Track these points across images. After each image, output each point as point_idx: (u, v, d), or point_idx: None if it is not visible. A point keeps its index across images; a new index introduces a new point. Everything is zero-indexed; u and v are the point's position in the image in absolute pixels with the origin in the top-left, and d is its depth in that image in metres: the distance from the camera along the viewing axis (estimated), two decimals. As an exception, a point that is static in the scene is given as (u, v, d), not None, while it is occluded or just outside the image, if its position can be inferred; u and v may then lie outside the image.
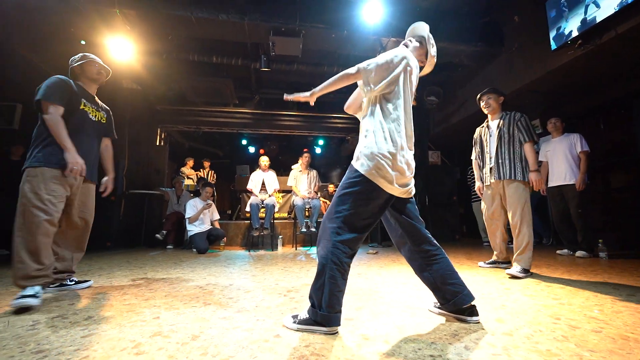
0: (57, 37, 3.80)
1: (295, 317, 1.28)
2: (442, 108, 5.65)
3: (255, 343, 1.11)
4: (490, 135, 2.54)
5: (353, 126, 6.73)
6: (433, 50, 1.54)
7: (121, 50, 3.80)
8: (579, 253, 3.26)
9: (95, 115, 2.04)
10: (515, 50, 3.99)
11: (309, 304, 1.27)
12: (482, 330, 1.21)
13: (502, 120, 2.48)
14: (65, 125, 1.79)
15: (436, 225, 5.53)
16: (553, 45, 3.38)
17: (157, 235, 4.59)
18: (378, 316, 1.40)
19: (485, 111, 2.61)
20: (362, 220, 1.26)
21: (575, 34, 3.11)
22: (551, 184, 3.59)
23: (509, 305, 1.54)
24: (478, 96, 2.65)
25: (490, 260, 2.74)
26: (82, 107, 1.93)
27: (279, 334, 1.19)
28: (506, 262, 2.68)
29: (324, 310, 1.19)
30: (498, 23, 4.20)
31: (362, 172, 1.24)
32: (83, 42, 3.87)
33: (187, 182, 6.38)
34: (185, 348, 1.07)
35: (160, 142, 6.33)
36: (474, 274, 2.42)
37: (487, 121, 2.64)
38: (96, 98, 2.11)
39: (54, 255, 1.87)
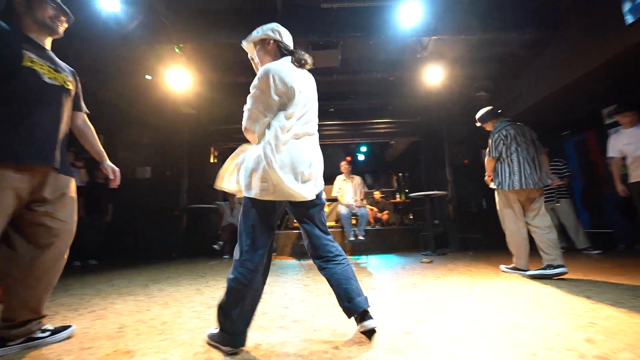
0: (125, 73, 4.39)
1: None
2: (495, 103, 5.22)
3: (315, 354, 1.12)
4: None
5: (396, 130, 6.56)
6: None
7: (179, 80, 4.25)
8: None
9: (55, 78, 1.35)
10: (577, 32, 3.54)
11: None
12: (568, 351, 1.06)
13: None
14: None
15: (497, 230, 5.04)
16: (628, 19, 2.93)
17: (215, 246, 4.93)
18: (440, 331, 1.31)
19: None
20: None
21: (659, 2, 2.66)
22: (634, 179, 3.03)
23: (599, 324, 1.33)
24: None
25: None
26: (26, 63, 1.26)
27: (338, 346, 1.18)
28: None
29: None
30: (553, 4, 3.78)
31: None
32: (149, 77, 4.42)
33: (238, 195, 6.78)
34: (249, 356, 1.12)
35: (213, 160, 6.87)
36: (549, 285, 2.14)
37: None
38: (52, 54, 1.42)
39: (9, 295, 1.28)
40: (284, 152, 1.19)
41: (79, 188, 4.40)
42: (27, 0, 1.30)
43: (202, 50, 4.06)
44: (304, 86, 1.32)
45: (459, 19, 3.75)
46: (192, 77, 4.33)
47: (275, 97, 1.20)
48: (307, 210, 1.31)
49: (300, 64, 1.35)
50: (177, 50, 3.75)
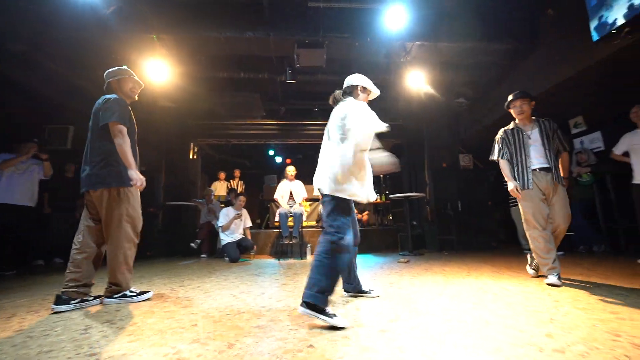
0: (102, 64, 4.17)
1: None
2: (474, 109, 5.44)
3: (290, 352, 1.11)
4: (530, 138, 2.48)
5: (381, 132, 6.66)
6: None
7: (157, 72, 4.10)
8: None
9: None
10: (551, 45, 3.76)
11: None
12: (530, 345, 1.12)
13: (542, 126, 2.47)
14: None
15: (471, 232, 5.25)
16: (594, 36, 3.13)
17: (192, 244, 4.80)
18: (413, 329, 1.35)
19: (518, 117, 2.54)
20: None
21: (621, 21, 2.86)
22: (639, 180, 3.17)
23: (558, 319, 1.41)
24: (508, 101, 2.57)
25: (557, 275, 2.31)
26: (132, 118, 2.07)
27: (313, 345, 1.19)
28: None
29: None
30: (531, 18, 3.99)
31: None
32: (125, 67, 4.23)
33: (217, 192, 6.66)
34: (222, 356, 1.10)
35: (193, 156, 6.69)
36: (515, 284, 2.26)
37: (517, 124, 2.56)
38: None
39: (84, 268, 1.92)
40: None
41: (43, 182, 4.16)
42: (118, 82, 2.11)
43: (183, 42, 3.93)
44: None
45: (442, 26, 3.87)
46: (171, 69, 4.19)
47: None
48: None
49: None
50: (154, 37, 3.61)
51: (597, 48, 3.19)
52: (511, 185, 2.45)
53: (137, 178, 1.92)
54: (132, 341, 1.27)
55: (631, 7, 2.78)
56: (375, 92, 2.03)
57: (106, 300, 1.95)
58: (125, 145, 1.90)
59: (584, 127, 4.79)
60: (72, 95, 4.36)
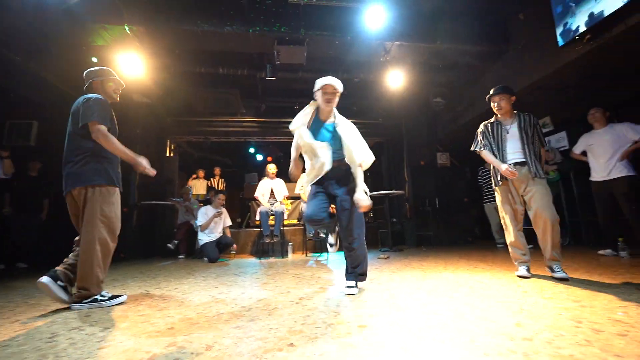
0: (71, 57, 3.94)
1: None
2: (450, 109, 5.60)
3: (270, 352, 1.10)
4: (508, 132, 2.46)
5: (359, 130, 6.72)
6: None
7: (131, 65, 3.91)
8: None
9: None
10: (522, 48, 3.95)
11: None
12: (501, 335, 1.18)
13: (521, 121, 2.45)
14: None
15: (448, 228, 5.44)
16: (560, 42, 3.33)
17: (169, 245, 4.64)
18: (393, 324, 1.37)
19: (497, 112, 2.53)
20: None
21: (583, 28, 3.06)
22: (596, 178, 3.34)
23: (527, 309, 1.49)
24: (489, 96, 2.57)
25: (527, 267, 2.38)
26: (114, 118, 2.09)
27: (293, 343, 1.18)
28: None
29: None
30: (503, 22, 4.17)
31: None
32: (95, 60, 4.00)
33: (195, 191, 6.47)
34: (200, 359, 1.07)
35: (170, 153, 6.46)
36: (489, 276, 2.36)
37: (497, 118, 2.56)
38: None
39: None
40: None
41: (4, 181, 3.90)
42: (101, 83, 2.11)
43: (158, 34, 3.77)
44: None
45: (420, 27, 3.96)
46: (146, 63, 4.02)
47: None
48: None
49: None
50: (126, 28, 3.43)
51: (563, 53, 3.39)
52: (504, 167, 2.35)
53: (144, 164, 2.08)
54: (103, 347, 1.21)
55: (591, 15, 2.97)
56: (326, 84, 2.09)
57: (75, 305, 1.84)
58: (112, 144, 1.91)
59: (550, 127, 5.08)
60: (36, 89, 4.07)
